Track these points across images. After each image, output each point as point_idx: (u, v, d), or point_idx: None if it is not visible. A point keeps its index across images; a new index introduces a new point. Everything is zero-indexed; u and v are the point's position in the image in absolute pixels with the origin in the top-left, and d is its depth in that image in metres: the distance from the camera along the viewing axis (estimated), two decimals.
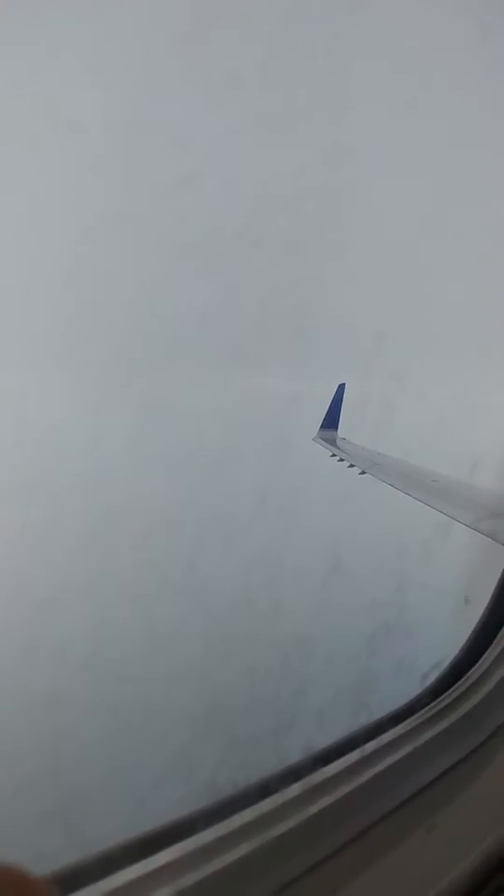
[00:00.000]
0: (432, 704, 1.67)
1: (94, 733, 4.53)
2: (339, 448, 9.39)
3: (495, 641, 1.83)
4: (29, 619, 4.74)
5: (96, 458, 7.45)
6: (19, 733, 4.22)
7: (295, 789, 1.36)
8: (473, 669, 1.77)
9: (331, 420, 10.38)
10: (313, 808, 1.33)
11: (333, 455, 9.02)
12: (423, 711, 1.65)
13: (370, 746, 1.51)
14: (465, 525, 4.68)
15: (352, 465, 8.23)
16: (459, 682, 1.74)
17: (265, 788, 1.35)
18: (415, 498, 6.12)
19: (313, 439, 9.96)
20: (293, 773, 1.39)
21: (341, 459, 8.68)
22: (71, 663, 4.49)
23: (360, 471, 7.87)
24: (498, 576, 1.99)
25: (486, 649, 1.81)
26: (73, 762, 4.25)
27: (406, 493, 6.37)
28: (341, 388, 10.38)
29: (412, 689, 1.77)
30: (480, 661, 1.78)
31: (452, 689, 1.72)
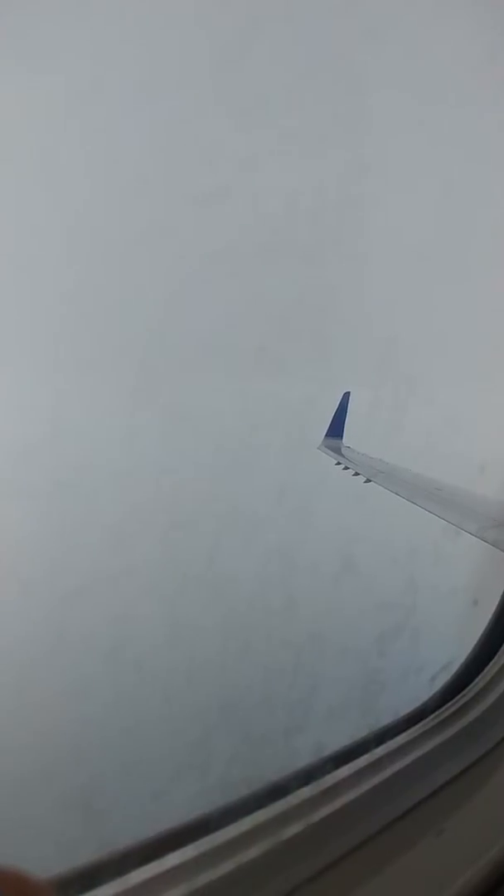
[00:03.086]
0: (441, 710, 1.61)
1: (115, 722, 4.51)
2: (343, 456, 9.11)
3: (503, 648, 1.75)
4: (58, 607, 4.75)
5: (125, 457, 7.46)
6: (46, 719, 4.23)
7: (305, 793, 1.30)
8: (481, 675, 1.70)
9: (336, 428, 9.87)
10: (323, 812, 1.28)
11: (338, 463, 8.76)
12: (431, 717, 1.58)
13: (380, 751, 1.45)
14: (471, 534, 4.57)
15: (356, 474, 8.01)
16: (468, 688, 1.67)
17: (275, 792, 1.29)
18: (420, 506, 5.98)
19: (318, 447, 9.63)
20: (303, 777, 1.34)
21: (346, 468, 8.44)
22: (96, 652, 4.48)
23: (364, 479, 7.67)
24: None
25: (493, 655, 1.73)
26: (94, 750, 4.24)
27: (411, 502, 6.22)
28: (346, 396, 9.97)
29: (421, 689, 1.71)
30: (488, 667, 1.71)
31: (461, 694, 1.65)
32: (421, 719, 1.58)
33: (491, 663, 1.72)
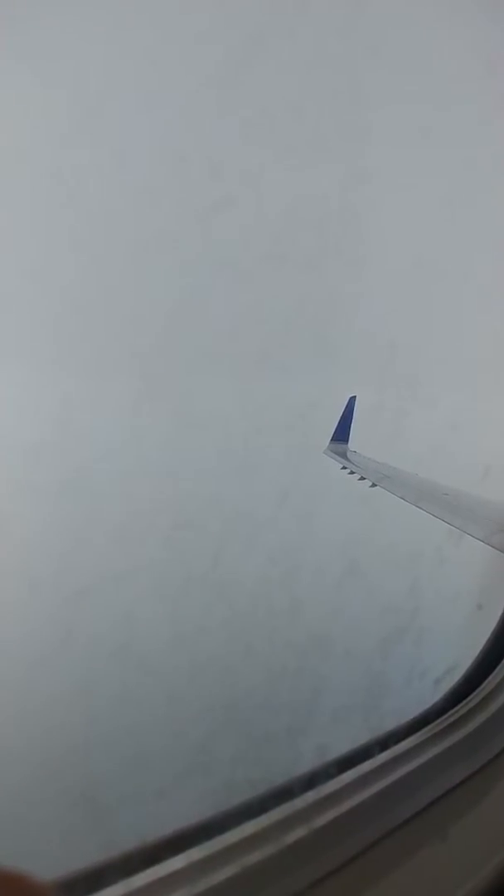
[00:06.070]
0: (446, 715, 1.57)
1: (119, 721, 4.49)
2: (349, 461, 8.95)
3: None
4: (64, 607, 4.74)
5: (130, 459, 7.45)
6: (51, 717, 4.21)
7: (308, 798, 1.27)
8: (487, 681, 1.66)
9: (341, 432, 9.67)
10: (326, 817, 1.25)
11: (344, 468, 8.61)
12: (436, 721, 1.55)
13: (384, 756, 1.41)
14: (477, 538, 4.51)
15: (362, 478, 7.87)
16: (473, 693, 1.63)
17: (278, 796, 1.26)
18: (426, 511, 5.87)
19: (324, 451, 9.44)
20: (307, 782, 1.31)
21: (352, 472, 8.31)
22: (101, 652, 4.47)
23: (370, 483, 7.54)
24: None
25: (499, 660, 1.69)
26: (98, 749, 4.21)
27: (417, 507, 6.11)
28: (352, 400, 9.75)
29: (425, 693, 1.68)
30: (494, 673, 1.67)
31: (466, 699, 1.62)
32: (425, 724, 1.54)
33: (497, 669, 1.68)
